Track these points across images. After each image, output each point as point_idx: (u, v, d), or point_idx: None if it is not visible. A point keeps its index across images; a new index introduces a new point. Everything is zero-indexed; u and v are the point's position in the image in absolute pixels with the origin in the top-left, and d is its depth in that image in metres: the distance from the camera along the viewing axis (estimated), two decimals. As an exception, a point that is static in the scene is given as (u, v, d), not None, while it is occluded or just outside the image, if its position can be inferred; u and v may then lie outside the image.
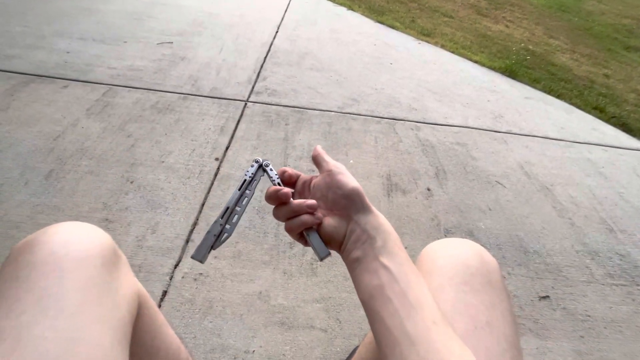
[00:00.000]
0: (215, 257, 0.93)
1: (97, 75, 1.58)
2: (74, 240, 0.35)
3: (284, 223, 0.40)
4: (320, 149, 0.43)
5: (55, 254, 0.33)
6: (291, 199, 0.39)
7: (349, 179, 0.38)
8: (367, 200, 0.38)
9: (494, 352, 0.33)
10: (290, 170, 0.43)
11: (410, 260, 0.35)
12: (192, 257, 0.39)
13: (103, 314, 0.32)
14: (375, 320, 0.32)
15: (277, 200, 0.39)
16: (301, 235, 0.40)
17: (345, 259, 0.37)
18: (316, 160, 0.42)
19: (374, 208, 0.37)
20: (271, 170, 0.43)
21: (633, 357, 0.88)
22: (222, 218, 0.41)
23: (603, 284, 1.06)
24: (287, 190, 0.38)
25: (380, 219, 0.37)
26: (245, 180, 0.42)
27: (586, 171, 1.54)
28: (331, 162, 0.41)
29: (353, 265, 0.36)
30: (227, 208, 0.41)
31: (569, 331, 0.92)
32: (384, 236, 0.35)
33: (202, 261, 0.39)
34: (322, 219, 0.38)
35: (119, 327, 0.34)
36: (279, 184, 0.41)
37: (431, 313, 0.31)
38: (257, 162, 0.43)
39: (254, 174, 0.43)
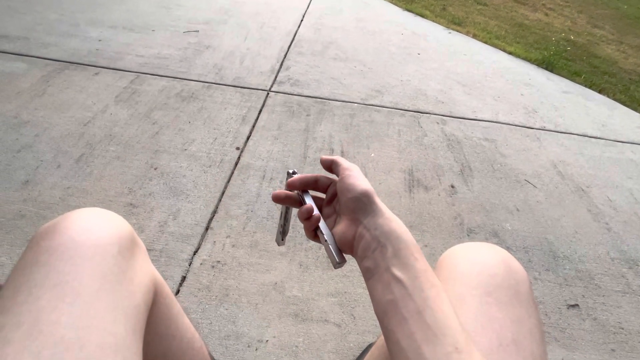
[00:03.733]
0: (233, 245, 0.94)
1: (126, 63, 1.62)
2: (92, 228, 0.36)
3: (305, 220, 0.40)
4: (328, 157, 0.42)
5: (74, 241, 0.34)
6: (311, 198, 0.40)
7: (359, 182, 0.36)
8: (379, 203, 0.35)
9: None
10: (296, 177, 0.42)
11: (429, 269, 0.32)
12: (276, 242, 0.46)
13: (118, 302, 0.33)
14: (390, 339, 0.30)
15: (303, 217, 0.40)
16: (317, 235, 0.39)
17: (359, 265, 0.35)
18: (332, 169, 0.41)
19: (386, 211, 0.35)
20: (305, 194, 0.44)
21: (670, 376, 0.82)
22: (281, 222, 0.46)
23: (640, 296, 0.98)
24: (317, 215, 0.39)
25: (392, 224, 0.34)
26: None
27: (628, 172, 1.43)
28: (344, 165, 0.39)
29: (366, 275, 0.34)
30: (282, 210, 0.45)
31: (599, 343, 0.86)
32: (396, 244, 0.32)
33: (280, 244, 0.46)
34: (319, 217, 0.38)
35: (134, 315, 0.34)
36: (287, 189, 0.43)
37: (453, 338, 0.28)
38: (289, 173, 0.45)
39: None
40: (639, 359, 0.84)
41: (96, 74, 1.52)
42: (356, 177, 0.37)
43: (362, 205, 0.35)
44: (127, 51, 1.71)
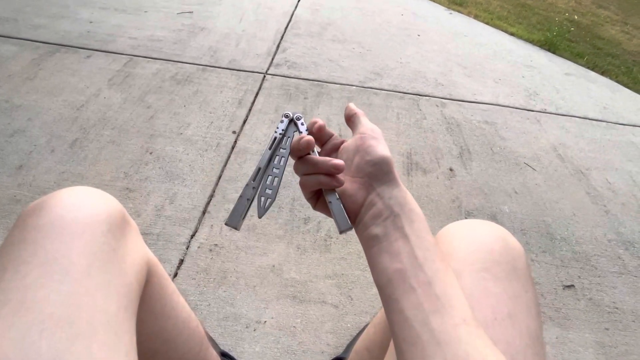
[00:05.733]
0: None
1: (119, 46, 1.58)
2: (81, 205, 0.35)
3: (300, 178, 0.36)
4: (356, 108, 0.37)
5: (62, 218, 0.33)
6: (316, 153, 0.35)
7: (382, 147, 0.33)
8: (396, 173, 0.33)
9: (515, 347, 0.29)
10: (320, 121, 0.37)
11: (438, 247, 0.31)
12: (226, 224, 0.36)
13: (109, 279, 0.32)
14: (393, 309, 0.29)
15: (298, 151, 0.34)
16: (316, 196, 0.36)
17: (360, 234, 0.33)
18: (351, 121, 0.37)
19: (401, 183, 0.33)
20: (302, 124, 0.38)
21: (662, 353, 0.83)
22: (253, 180, 0.37)
23: (636, 276, 0.99)
24: (309, 138, 0.34)
25: (407, 196, 0.32)
26: (275, 137, 0.38)
27: (628, 155, 1.42)
28: (368, 125, 0.36)
29: (370, 243, 0.32)
30: (259, 169, 0.37)
31: (593, 322, 0.87)
32: (410, 215, 0.31)
33: (236, 228, 0.36)
34: (343, 183, 0.34)
35: (126, 293, 0.34)
36: None
37: (461, 310, 0.27)
38: (286, 116, 0.38)
39: (285, 130, 0.38)
40: (632, 337, 0.86)
41: (88, 56, 1.49)
42: (379, 140, 0.34)
43: (380, 171, 0.32)
44: (119, 33, 1.67)
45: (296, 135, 0.37)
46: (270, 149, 0.38)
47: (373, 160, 0.33)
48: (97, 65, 1.45)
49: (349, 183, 0.34)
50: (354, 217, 0.34)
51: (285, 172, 0.38)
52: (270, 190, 0.37)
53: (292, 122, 0.39)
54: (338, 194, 0.34)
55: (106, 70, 1.42)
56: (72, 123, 1.18)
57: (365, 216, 0.32)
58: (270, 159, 0.38)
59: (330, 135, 0.39)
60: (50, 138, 1.12)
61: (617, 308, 0.91)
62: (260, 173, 0.37)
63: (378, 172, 0.32)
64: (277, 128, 0.39)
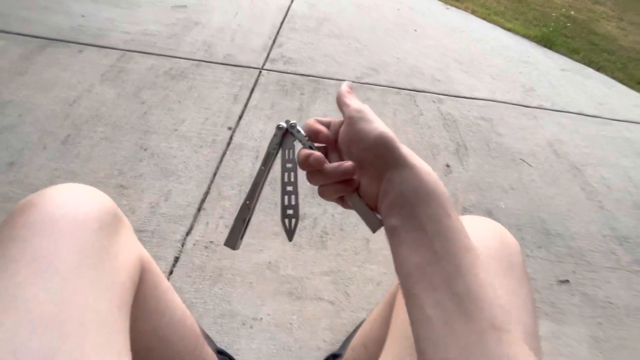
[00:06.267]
0: (227, 226, 0.94)
1: (111, 40, 1.55)
2: (71, 203, 0.34)
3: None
4: (344, 88, 0.34)
5: (52, 216, 0.32)
6: (326, 162, 0.32)
7: (373, 125, 0.30)
8: (403, 148, 0.29)
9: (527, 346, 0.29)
10: (317, 126, 0.34)
11: (464, 229, 0.27)
12: (225, 244, 0.35)
13: (100, 278, 0.32)
14: (413, 304, 0.26)
15: (310, 167, 0.32)
16: (341, 198, 0.33)
17: (383, 223, 0.31)
18: (338, 104, 0.34)
19: (412, 159, 0.29)
20: (299, 132, 0.35)
21: (654, 347, 0.84)
22: (249, 199, 0.35)
23: (629, 271, 1.00)
24: (319, 155, 0.31)
25: (421, 177, 0.28)
26: (269, 153, 0.35)
27: (623, 151, 1.43)
28: (352, 106, 0.32)
29: (390, 234, 0.29)
30: (254, 187, 0.35)
31: (587, 317, 0.88)
32: (426, 199, 0.27)
33: (234, 248, 0.35)
34: (358, 183, 0.31)
35: (118, 292, 0.33)
36: (310, 147, 0.34)
37: (489, 312, 0.24)
38: (279, 128, 0.35)
39: (280, 144, 0.35)
40: (626, 331, 0.87)
41: (80, 51, 1.46)
42: (367, 119, 0.30)
43: (381, 154, 0.29)
44: (112, 27, 1.64)
45: (297, 144, 0.35)
46: (264, 165, 0.35)
47: (368, 145, 0.30)
48: (89, 60, 1.42)
49: (361, 178, 0.31)
50: (375, 208, 0.31)
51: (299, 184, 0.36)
52: (292, 210, 0.35)
53: (287, 132, 0.36)
54: (358, 192, 0.32)
55: (99, 65, 1.40)
56: (64, 119, 1.16)
57: (382, 207, 0.30)
58: (267, 176, 0.36)
59: (328, 125, 0.35)
60: (42, 134, 1.10)
61: (611, 303, 0.92)
62: (257, 191, 0.35)
63: (380, 156, 0.29)
64: (271, 142, 0.36)
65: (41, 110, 1.18)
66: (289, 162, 0.35)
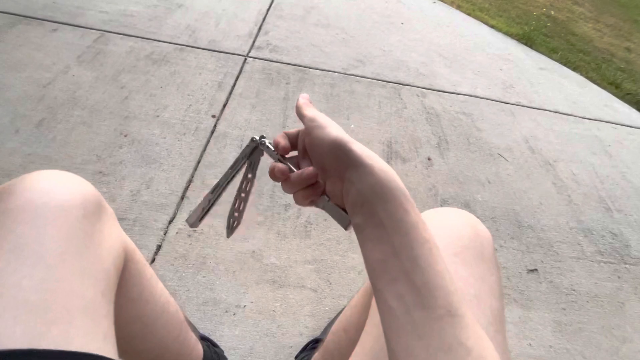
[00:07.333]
0: (210, 215, 0.93)
1: (88, 20, 1.48)
2: (54, 189, 0.34)
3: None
4: (301, 100, 0.35)
5: (34, 202, 0.32)
6: (292, 172, 0.34)
7: (326, 131, 0.31)
8: (358, 149, 0.30)
9: (480, 325, 0.31)
10: (283, 141, 0.36)
11: (421, 221, 0.28)
12: (186, 221, 0.40)
13: (85, 265, 0.32)
14: (378, 298, 0.28)
15: (277, 178, 0.34)
16: (314, 202, 0.35)
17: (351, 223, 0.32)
18: (297, 116, 0.35)
19: (366, 158, 0.29)
20: (268, 147, 0.37)
21: (609, 330, 0.92)
22: (211, 193, 0.40)
23: (592, 261, 1.07)
24: (282, 167, 0.34)
25: (376, 176, 0.29)
26: (238, 160, 0.39)
27: (592, 149, 1.51)
28: (308, 115, 0.33)
29: (356, 231, 0.31)
30: (217, 185, 0.40)
31: (552, 303, 0.95)
32: (383, 196, 0.28)
33: (193, 227, 0.41)
34: (324, 186, 0.33)
35: (103, 279, 0.33)
36: (279, 160, 0.36)
37: (445, 300, 0.25)
38: (253, 141, 0.38)
39: (248, 155, 0.38)
40: (586, 316, 0.94)
41: (54, 30, 1.39)
42: (321, 126, 0.32)
43: (338, 157, 0.30)
44: (89, 6, 1.56)
45: (266, 158, 0.38)
46: (231, 169, 0.39)
47: (325, 150, 0.31)
48: (64, 40, 1.36)
49: (327, 181, 0.33)
50: (344, 208, 0.33)
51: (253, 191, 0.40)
52: (237, 214, 0.40)
53: (256, 147, 0.38)
54: (327, 195, 0.34)
55: (75, 46, 1.34)
56: (38, 102, 1.11)
57: (347, 207, 0.31)
58: (231, 179, 0.39)
59: (297, 135, 0.37)
60: (14, 117, 1.05)
61: (574, 290, 0.99)
62: (220, 189, 0.40)
63: (337, 158, 0.31)
64: (243, 151, 0.39)
65: (13, 91, 1.12)
66: (250, 173, 0.39)
